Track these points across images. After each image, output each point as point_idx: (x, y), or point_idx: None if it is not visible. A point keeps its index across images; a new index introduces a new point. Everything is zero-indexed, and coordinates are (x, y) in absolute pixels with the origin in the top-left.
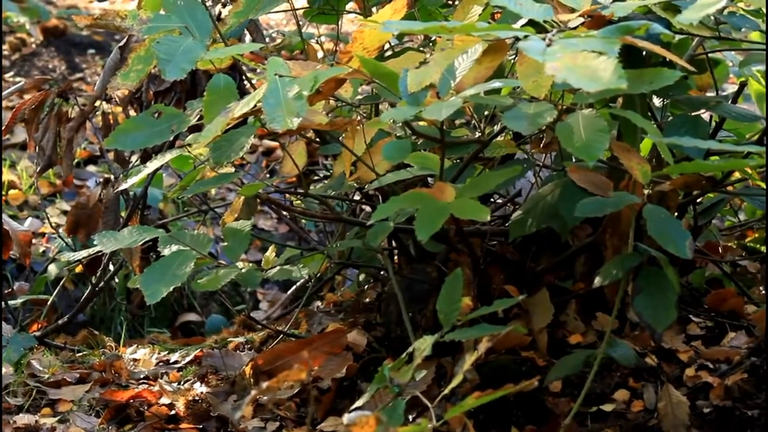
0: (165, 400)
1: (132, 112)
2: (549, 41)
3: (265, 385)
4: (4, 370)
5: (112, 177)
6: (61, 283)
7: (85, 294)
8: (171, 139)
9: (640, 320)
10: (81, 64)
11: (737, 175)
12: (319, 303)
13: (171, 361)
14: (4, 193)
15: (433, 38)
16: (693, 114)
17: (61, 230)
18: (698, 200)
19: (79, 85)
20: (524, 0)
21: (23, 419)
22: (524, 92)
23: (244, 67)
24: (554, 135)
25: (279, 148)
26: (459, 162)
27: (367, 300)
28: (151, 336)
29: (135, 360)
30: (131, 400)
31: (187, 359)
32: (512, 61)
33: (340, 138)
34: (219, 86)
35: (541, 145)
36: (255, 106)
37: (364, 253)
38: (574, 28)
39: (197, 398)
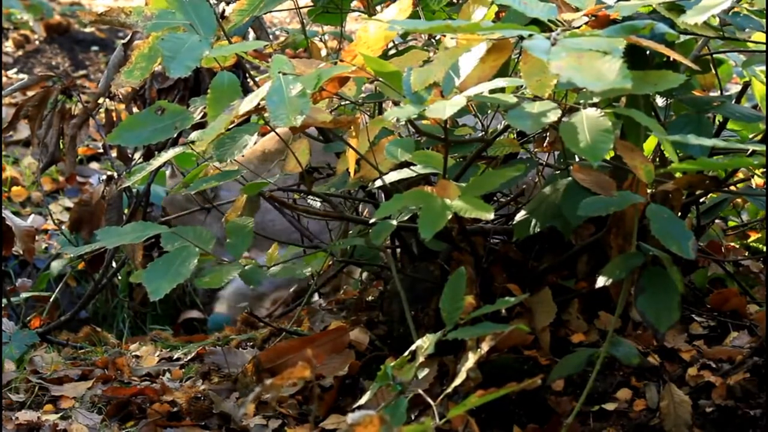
0: (167, 397)
1: (135, 110)
2: (554, 40)
3: (268, 382)
4: (6, 366)
5: (115, 174)
6: (64, 280)
7: (88, 291)
8: (174, 136)
9: (643, 320)
10: (84, 61)
11: (740, 175)
12: (321, 301)
13: (173, 359)
14: (7, 189)
15: (436, 37)
16: (697, 113)
17: (63, 227)
18: (701, 200)
19: (83, 82)
20: None
21: (26, 416)
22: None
23: (247, 65)
24: (558, 134)
25: None
26: (462, 160)
27: (370, 298)
28: (153, 333)
29: (137, 357)
30: (133, 397)
31: (190, 356)
32: (516, 59)
33: (344, 136)
34: (223, 84)
35: (545, 144)
36: (259, 103)
37: (366, 251)
38: (578, 28)
39: (199, 395)
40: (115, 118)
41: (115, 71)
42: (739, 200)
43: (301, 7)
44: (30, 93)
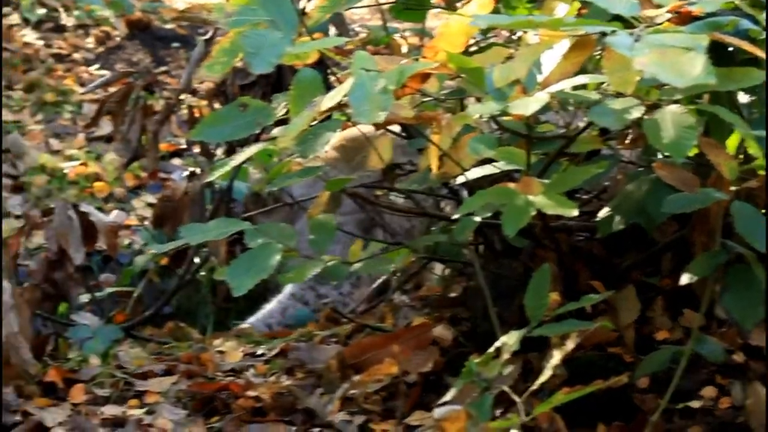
0: (251, 392)
1: (217, 106)
2: (637, 37)
3: (356, 378)
4: (91, 361)
5: (198, 170)
6: (147, 275)
7: (172, 286)
8: (257, 132)
9: (729, 317)
10: (165, 58)
11: None
12: (404, 297)
13: (257, 354)
14: (89, 184)
15: (517, 34)
16: None
17: (146, 222)
18: None
19: (164, 78)
20: None
21: (111, 410)
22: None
23: (329, 62)
24: (641, 131)
25: None
26: (545, 157)
27: (453, 294)
28: (236, 328)
29: (221, 352)
30: (218, 392)
31: (274, 352)
32: (596, 57)
33: (426, 132)
34: (306, 80)
35: (627, 141)
36: (341, 100)
37: (449, 248)
38: (660, 24)
39: (284, 391)
40: (197, 114)
41: (196, 67)
42: None
43: (382, 4)
44: (112, 89)
